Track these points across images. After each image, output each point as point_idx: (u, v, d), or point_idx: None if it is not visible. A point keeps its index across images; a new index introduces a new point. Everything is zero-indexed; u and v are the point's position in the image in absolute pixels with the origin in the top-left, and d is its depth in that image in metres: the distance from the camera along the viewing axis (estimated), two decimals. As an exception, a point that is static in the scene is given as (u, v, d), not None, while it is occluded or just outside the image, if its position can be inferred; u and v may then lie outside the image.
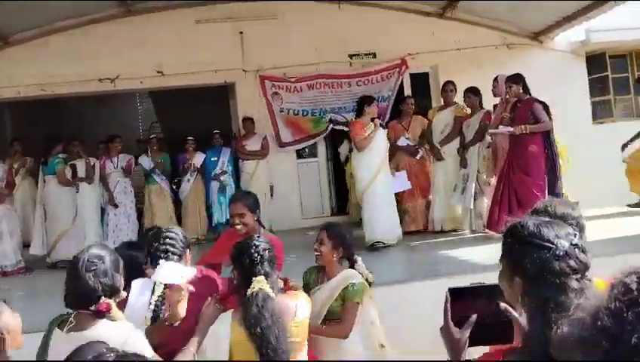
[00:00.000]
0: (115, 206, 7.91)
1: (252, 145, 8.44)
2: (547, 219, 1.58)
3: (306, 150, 9.21)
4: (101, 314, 2.20)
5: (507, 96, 6.24)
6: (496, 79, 6.72)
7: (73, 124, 10.34)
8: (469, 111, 7.12)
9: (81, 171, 7.63)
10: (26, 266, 7.34)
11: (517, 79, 6.12)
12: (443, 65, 8.86)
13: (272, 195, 8.49)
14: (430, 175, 7.44)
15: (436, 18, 9.01)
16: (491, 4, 8.24)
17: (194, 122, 9.74)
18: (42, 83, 8.16)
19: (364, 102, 6.67)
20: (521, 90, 6.10)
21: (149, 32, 8.29)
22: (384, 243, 6.41)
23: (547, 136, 6.07)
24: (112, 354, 1.39)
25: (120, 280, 2.31)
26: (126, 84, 8.57)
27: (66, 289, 2.27)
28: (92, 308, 2.19)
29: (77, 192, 7.58)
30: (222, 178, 8.41)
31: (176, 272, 2.57)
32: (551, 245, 1.46)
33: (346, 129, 7.91)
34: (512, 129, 5.96)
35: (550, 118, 6.09)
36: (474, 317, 1.65)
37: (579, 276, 1.44)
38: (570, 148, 8.08)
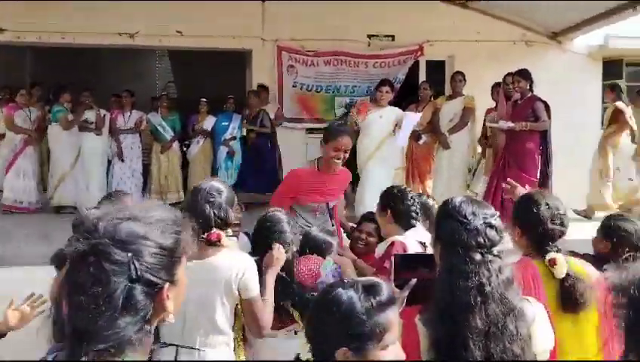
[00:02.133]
0: (122, 160, 8.13)
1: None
2: (474, 198, 1.80)
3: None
4: (211, 243, 2.40)
5: (513, 91, 6.33)
6: (510, 75, 6.78)
7: (90, 75, 10.47)
8: (475, 103, 7.24)
9: (91, 121, 7.87)
10: (37, 207, 7.79)
11: (526, 75, 6.20)
12: (460, 55, 8.86)
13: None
14: (432, 162, 7.55)
15: (459, 8, 8.99)
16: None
17: (209, 86, 9.86)
18: (63, 31, 8.26)
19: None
20: (528, 87, 6.18)
21: (173, -9, 8.36)
22: None
23: (544, 136, 6.18)
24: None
25: (232, 216, 2.51)
26: (145, 40, 8.66)
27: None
28: (204, 236, 2.39)
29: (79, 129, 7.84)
30: (231, 143, 8.55)
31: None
32: (464, 220, 1.68)
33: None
34: (512, 124, 6.06)
35: (549, 118, 6.18)
36: (413, 280, 1.92)
37: (484, 250, 1.65)
38: (577, 151, 8.18)
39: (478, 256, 1.64)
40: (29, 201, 7.69)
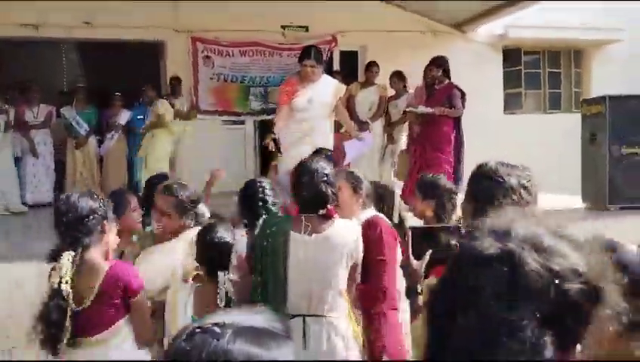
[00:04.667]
0: (37, 157, 7.77)
1: (180, 105, 8.45)
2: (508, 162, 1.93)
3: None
4: (329, 218, 2.60)
5: (429, 78, 6.63)
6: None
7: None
8: (389, 91, 7.53)
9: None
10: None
11: (439, 63, 6.52)
12: (372, 45, 9.14)
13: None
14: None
15: (369, -1, 9.26)
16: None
17: (120, 79, 9.55)
18: (-41, 22, 7.78)
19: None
20: (440, 74, 6.51)
21: (79, -20, 8.04)
22: None
23: (458, 122, 6.55)
24: None
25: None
26: (50, 32, 8.31)
27: (298, 193, 2.62)
28: (320, 212, 2.58)
29: None
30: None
31: None
32: (500, 179, 1.84)
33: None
34: (431, 109, 6.38)
35: (463, 106, 6.56)
36: (429, 252, 2.04)
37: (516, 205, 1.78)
38: (481, 135, 8.69)
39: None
40: None
